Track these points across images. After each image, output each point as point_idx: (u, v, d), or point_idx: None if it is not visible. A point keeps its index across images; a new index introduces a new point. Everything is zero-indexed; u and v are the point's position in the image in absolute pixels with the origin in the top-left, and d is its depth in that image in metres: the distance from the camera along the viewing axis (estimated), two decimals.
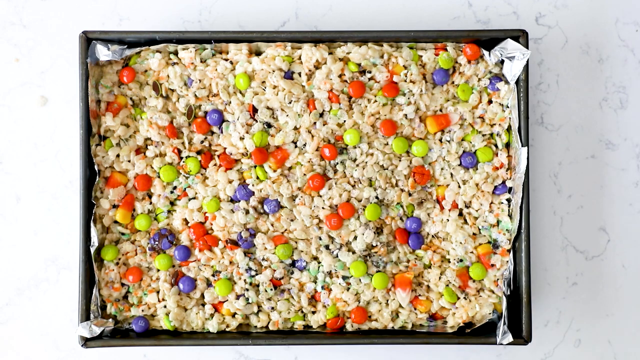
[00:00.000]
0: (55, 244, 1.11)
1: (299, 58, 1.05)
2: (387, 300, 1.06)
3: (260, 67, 1.05)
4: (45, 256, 1.11)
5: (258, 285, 1.05)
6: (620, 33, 1.12)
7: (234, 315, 1.06)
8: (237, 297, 1.05)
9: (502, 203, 1.06)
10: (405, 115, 1.05)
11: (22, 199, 1.11)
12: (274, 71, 1.04)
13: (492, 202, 1.06)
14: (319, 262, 1.06)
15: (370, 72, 1.05)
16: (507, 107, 1.05)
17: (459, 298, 1.06)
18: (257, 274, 1.05)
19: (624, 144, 1.12)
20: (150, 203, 1.06)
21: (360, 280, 1.05)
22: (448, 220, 1.06)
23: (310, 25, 1.12)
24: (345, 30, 1.06)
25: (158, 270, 1.06)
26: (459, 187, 1.06)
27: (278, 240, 1.05)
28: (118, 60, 1.05)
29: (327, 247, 1.05)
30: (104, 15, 1.11)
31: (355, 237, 1.05)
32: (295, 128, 1.05)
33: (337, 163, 1.05)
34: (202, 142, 1.06)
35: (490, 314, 1.06)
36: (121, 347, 1.07)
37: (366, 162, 1.05)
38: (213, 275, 1.06)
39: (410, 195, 1.06)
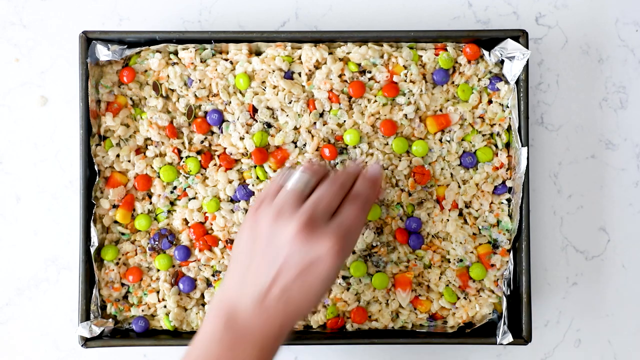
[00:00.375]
0: (55, 244, 1.11)
1: (299, 58, 1.05)
2: (387, 300, 1.06)
3: (260, 67, 1.05)
4: (45, 256, 1.11)
5: None
6: (620, 33, 1.12)
7: None
8: None
9: (502, 203, 1.06)
10: (405, 115, 1.05)
11: (22, 199, 1.11)
12: (274, 71, 1.04)
13: (492, 202, 1.06)
14: None
15: (370, 72, 1.05)
16: (507, 107, 1.05)
17: (459, 298, 1.06)
18: None
19: (624, 144, 1.12)
20: (150, 203, 1.06)
21: (360, 280, 1.05)
22: (448, 220, 1.06)
23: (310, 25, 1.12)
24: (345, 30, 1.06)
25: (158, 270, 1.06)
26: (459, 187, 1.06)
27: None
28: (118, 60, 1.05)
29: None
30: (104, 15, 1.11)
31: None
32: (295, 128, 1.05)
33: (337, 163, 1.05)
34: (202, 142, 1.06)
35: (490, 314, 1.06)
36: (121, 347, 1.07)
37: (366, 162, 1.05)
38: (213, 275, 1.06)
39: (410, 195, 1.06)
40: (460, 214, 1.07)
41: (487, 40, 1.05)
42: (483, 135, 1.06)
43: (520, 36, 1.03)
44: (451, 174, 1.06)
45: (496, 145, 1.06)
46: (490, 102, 1.06)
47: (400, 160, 1.06)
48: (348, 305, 1.05)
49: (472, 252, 1.06)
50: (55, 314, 1.11)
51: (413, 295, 1.06)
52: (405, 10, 1.12)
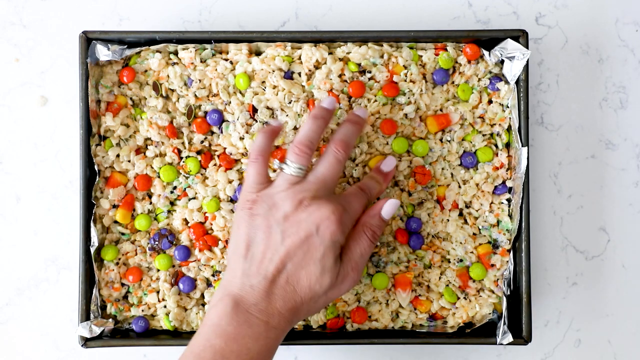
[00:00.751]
0: (55, 244, 1.11)
1: (299, 58, 1.05)
2: (387, 300, 1.06)
3: (260, 67, 1.05)
4: (45, 256, 1.11)
5: None
6: (620, 33, 1.12)
7: None
8: None
9: (502, 203, 1.06)
10: (406, 114, 1.05)
11: (22, 199, 1.11)
12: (274, 71, 1.04)
13: (492, 202, 1.06)
14: None
15: (370, 72, 1.05)
16: (507, 107, 1.05)
17: (459, 298, 1.06)
18: None
19: (624, 144, 1.12)
20: (150, 203, 1.06)
21: (360, 280, 1.05)
22: (448, 220, 1.06)
23: (310, 25, 1.12)
24: (345, 30, 1.06)
25: (158, 270, 1.06)
26: (459, 187, 1.06)
27: None
28: (118, 60, 1.05)
29: None
30: (104, 15, 1.11)
31: None
32: (295, 128, 1.05)
33: None
34: (202, 142, 1.06)
35: (490, 314, 1.06)
36: (121, 347, 1.07)
37: (366, 162, 1.05)
38: (213, 275, 1.06)
39: (410, 195, 1.06)
40: (461, 214, 1.07)
41: (487, 40, 1.05)
42: (483, 135, 1.06)
43: (520, 36, 1.03)
44: (451, 174, 1.06)
45: (496, 145, 1.06)
46: (490, 102, 1.06)
47: (400, 160, 1.06)
48: (348, 305, 1.05)
49: (472, 252, 1.06)
50: (55, 314, 1.11)
51: (413, 295, 1.06)
52: (405, 10, 1.12)
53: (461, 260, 1.06)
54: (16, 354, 1.11)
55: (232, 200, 1.06)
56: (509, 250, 1.05)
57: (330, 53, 1.05)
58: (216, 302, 0.92)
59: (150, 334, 1.05)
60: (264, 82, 1.05)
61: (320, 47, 1.04)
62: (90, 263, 1.03)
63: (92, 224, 1.03)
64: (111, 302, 1.05)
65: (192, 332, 1.05)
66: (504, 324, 1.02)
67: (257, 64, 1.05)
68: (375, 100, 1.05)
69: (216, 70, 1.05)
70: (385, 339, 1.04)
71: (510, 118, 1.05)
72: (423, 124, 1.06)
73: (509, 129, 1.06)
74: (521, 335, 1.03)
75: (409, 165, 1.06)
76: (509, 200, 1.06)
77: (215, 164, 1.06)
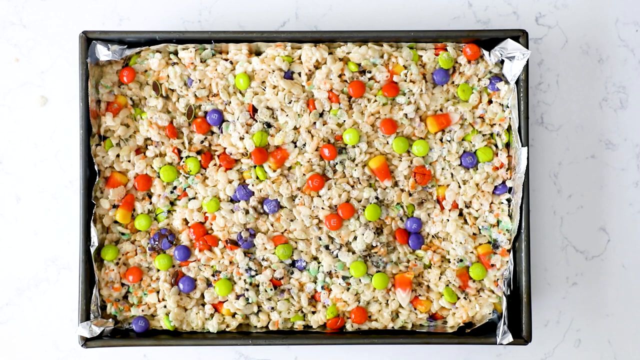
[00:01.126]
0: (55, 244, 1.11)
1: (299, 58, 1.05)
2: (387, 300, 1.06)
3: (260, 67, 1.05)
4: (45, 256, 1.11)
5: (258, 285, 1.05)
6: (620, 33, 1.12)
7: (234, 315, 1.06)
8: (237, 297, 1.05)
9: (502, 203, 1.06)
10: (406, 114, 1.05)
11: (22, 199, 1.11)
12: (273, 71, 1.04)
13: (492, 202, 1.06)
14: (319, 262, 1.06)
15: (370, 72, 1.05)
16: (507, 107, 1.05)
17: (459, 298, 1.06)
18: (257, 274, 1.05)
19: (624, 144, 1.12)
20: (150, 203, 1.06)
21: (360, 280, 1.05)
22: (448, 220, 1.06)
23: (310, 25, 1.12)
24: (345, 30, 1.06)
25: (158, 270, 1.06)
26: (459, 187, 1.06)
27: (278, 240, 1.05)
28: (118, 60, 1.05)
29: (327, 247, 1.05)
30: (104, 15, 1.11)
31: (355, 238, 1.05)
32: (295, 128, 1.05)
33: (337, 163, 1.05)
34: (202, 142, 1.06)
35: (490, 314, 1.06)
36: (121, 347, 1.07)
37: (366, 162, 1.05)
38: (213, 275, 1.06)
39: (410, 195, 1.06)
40: (461, 214, 1.07)
41: (487, 40, 1.05)
42: (483, 135, 1.06)
43: (520, 36, 1.03)
44: (451, 174, 1.06)
45: (496, 145, 1.06)
46: (490, 102, 1.06)
47: (400, 160, 1.06)
48: (348, 305, 1.05)
49: (472, 252, 1.06)
50: (55, 314, 1.11)
51: (413, 295, 1.06)
52: (405, 10, 1.12)
53: (461, 260, 1.06)
54: (16, 354, 1.11)
55: (232, 200, 1.06)
56: (509, 250, 1.05)
57: (330, 53, 1.05)
58: None
59: (150, 334, 1.05)
60: (264, 82, 1.05)
61: (320, 47, 1.04)
62: (90, 263, 1.03)
63: (92, 224, 1.03)
64: (111, 302, 1.05)
65: (192, 332, 1.05)
66: (504, 324, 1.02)
67: (257, 64, 1.05)
68: (375, 100, 1.05)
69: (216, 70, 1.05)
70: (385, 339, 1.04)
71: (510, 118, 1.05)
72: (423, 124, 1.06)
73: (509, 129, 1.06)
74: (521, 335, 1.03)
75: (409, 165, 1.06)
76: (509, 200, 1.06)
77: (215, 164, 1.06)
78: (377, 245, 1.05)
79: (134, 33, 1.04)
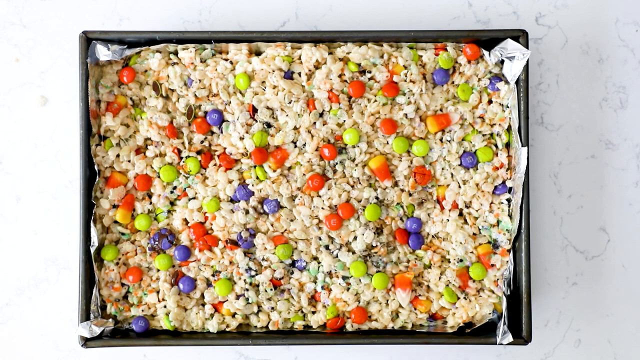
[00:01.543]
0: (55, 244, 1.11)
1: (299, 58, 1.05)
2: (387, 300, 1.06)
3: (260, 67, 1.05)
4: (45, 256, 1.11)
5: (258, 285, 1.05)
6: (620, 33, 1.12)
7: (234, 315, 1.06)
8: (237, 297, 1.05)
9: (502, 203, 1.06)
10: (406, 114, 1.05)
11: (22, 199, 1.11)
12: (273, 71, 1.04)
13: (492, 202, 1.06)
14: (319, 262, 1.06)
15: (370, 72, 1.05)
16: (507, 107, 1.05)
17: (459, 298, 1.06)
18: (257, 274, 1.05)
19: (624, 144, 1.12)
20: (150, 203, 1.06)
21: (360, 280, 1.05)
22: (448, 220, 1.06)
23: (310, 25, 1.12)
24: (345, 30, 1.06)
25: (158, 270, 1.06)
26: (459, 187, 1.06)
27: (278, 240, 1.05)
28: (118, 60, 1.05)
29: (327, 247, 1.05)
30: (104, 15, 1.11)
31: (355, 238, 1.05)
32: (295, 128, 1.05)
33: (337, 163, 1.05)
34: (202, 142, 1.06)
35: (490, 314, 1.06)
36: (121, 347, 1.07)
37: (366, 162, 1.05)
38: (213, 275, 1.06)
39: (410, 195, 1.06)
40: (461, 214, 1.07)
41: (487, 40, 1.05)
42: (483, 135, 1.06)
43: (520, 36, 1.03)
44: (451, 174, 1.06)
45: (496, 145, 1.06)
46: (490, 102, 1.06)
47: (400, 160, 1.06)
48: (348, 305, 1.05)
49: (472, 252, 1.06)
50: (55, 314, 1.11)
51: (413, 295, 1.06)
52: (405, 10, 1.12)
53: (461, 260, 1.06)
54: (16, 354, 1.11)
55: (232, 200, 1.06)
56: (509, 250, 1.05)
57: (330, 53, 1.05)
58: None
59: (150, 334, 1.05)
60: (264, 82, 1.05)
61: (320, 47, 1.04)
62: (90, 263, 1.03)
63: (92, 224, 1.03)
64: (111, 302, 1.05)
65: (192, 332, 1.05)
66: (504, 324, 1.02)
67: (257, 64, 1.05)
68: (375, 100, 1.05)
69: (216, 70, 1.05)
70: (385, 339, 1.04)
71: (510, 118, 1.05)
72: (423, 124, 1.06)
73: (509, 129, 1.06)
74: (521, 335, 1.03)
75: (409, 165, 1.06)
76: (508, 200, 1.06)
77: (215, 164, 1.06)
78: (377, 245, 1.05)
79: (134, 33, 1.04)
